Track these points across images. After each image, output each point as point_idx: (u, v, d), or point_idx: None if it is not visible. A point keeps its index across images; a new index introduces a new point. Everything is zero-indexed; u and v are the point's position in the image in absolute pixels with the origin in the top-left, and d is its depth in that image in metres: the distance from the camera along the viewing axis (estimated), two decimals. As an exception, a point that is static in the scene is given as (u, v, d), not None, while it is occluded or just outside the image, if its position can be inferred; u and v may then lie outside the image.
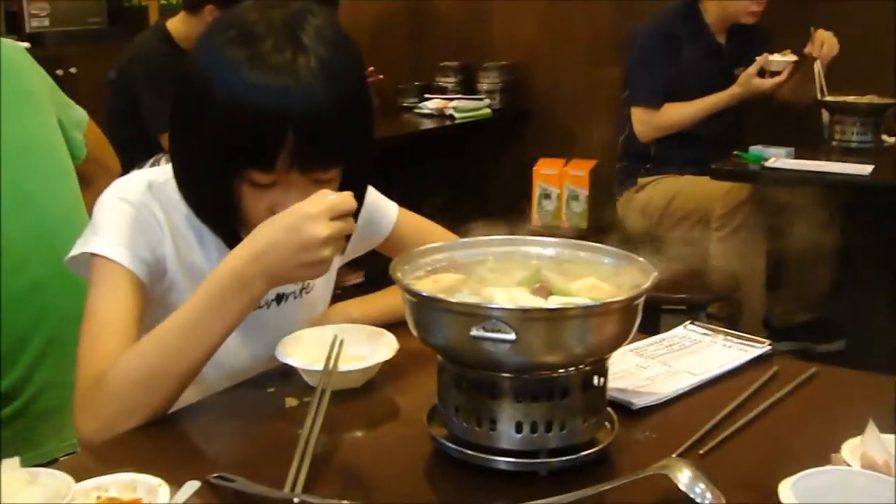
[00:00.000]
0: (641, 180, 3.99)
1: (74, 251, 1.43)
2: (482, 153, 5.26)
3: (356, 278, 4.29)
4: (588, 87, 4.84)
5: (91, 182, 2.08)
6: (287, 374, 1.41)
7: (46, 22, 5.60)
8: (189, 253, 1.49)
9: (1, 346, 1.78)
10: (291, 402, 1.35)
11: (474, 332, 1.05)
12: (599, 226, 4.36)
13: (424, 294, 1.11)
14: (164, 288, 1.47)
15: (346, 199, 1.29)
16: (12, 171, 1.86)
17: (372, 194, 1.66)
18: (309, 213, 1.26)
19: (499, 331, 1.04)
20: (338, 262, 1.57)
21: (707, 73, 3.87)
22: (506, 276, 1.22)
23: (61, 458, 1.64)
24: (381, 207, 1.72)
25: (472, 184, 5.17)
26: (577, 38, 4.87)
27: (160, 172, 1.49)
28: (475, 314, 1.06)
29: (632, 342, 1.51)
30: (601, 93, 4.73)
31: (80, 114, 2.16)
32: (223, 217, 1.44)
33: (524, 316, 1.06)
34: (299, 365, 1.39)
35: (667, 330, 1.62)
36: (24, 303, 1.82)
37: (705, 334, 1.58)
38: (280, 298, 1.57)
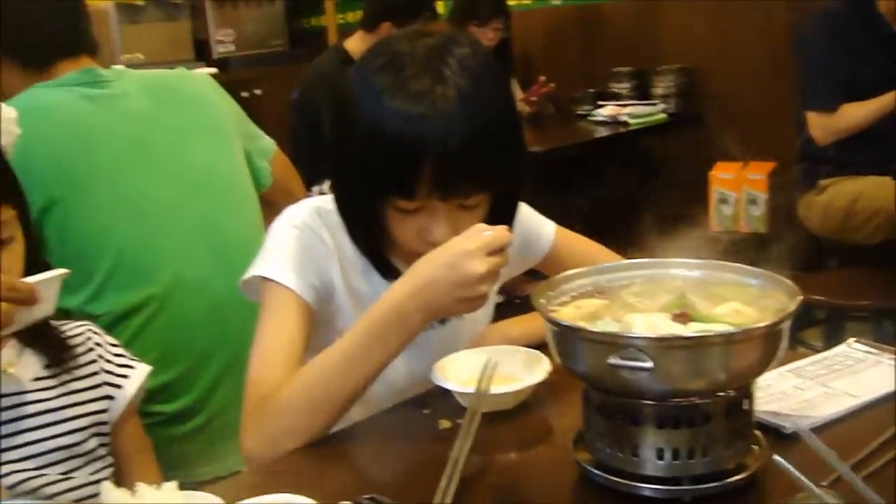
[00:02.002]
0: (822, 182, 3.84)
1: (247, 275, 1.51)
2: (657, 158, 5.20)
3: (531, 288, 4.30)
4: (764, 86, 4.71)
5: (276, 207, 2.17)
6: (442, 396, 1.45)
7: (232, 47, 5.88)
8: (356, 278, 1.54)
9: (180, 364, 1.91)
10: (445, 423, 1.39)
11: (612, 360, 1.06)
12: (779, 230, 4.25)
13: (564, 323, 1.13)
14: (331, 312, 1.53)
15: (502, 234, 1.31)
16: (199, 200, 1.99)
17: (527, 215, 1.69)
18: (467, 250, 1.29)
19: (636, 359, 1.05)
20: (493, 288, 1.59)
21: (884, 67, 3.69)
22: (650, 300, 1.22)
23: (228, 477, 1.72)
24: (537, 228, 1.73)
25: (648, 189, 5.12)
26: (751, 37, 4.75)
27: (329, 199, 1.54)
28: (613, 343, 1.07)
29: (792, 361, 1.48)
30: (777, 92, 4.59)
31: (267, 144, 2.27)
32: (372, 241, 1.49)
33: (661, 344, 1.06)
34: (452, 387, 1.42)
35: (851, 337, 1.58)
36: (206, 324, 1.94)
37: (869, 353, 1.52)
38: (444, 319, 1.60)
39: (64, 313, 1.70)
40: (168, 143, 2.02)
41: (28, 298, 1.14)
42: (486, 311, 1.71)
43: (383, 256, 1.51)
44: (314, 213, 1.53)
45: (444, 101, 1.35)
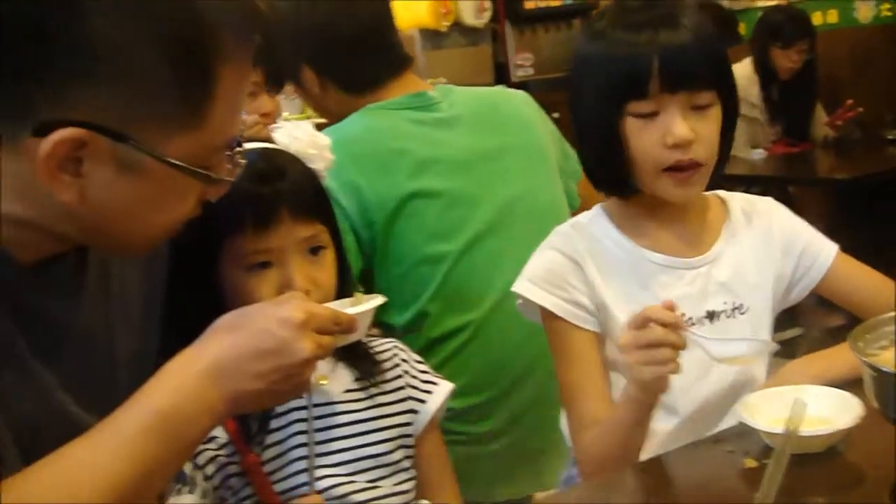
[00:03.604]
0: None
1: (519, 297, 1.60)
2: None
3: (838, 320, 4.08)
4: None
5: None
6: (746, 434, 1.40)
7: (531, 71, 5.97)
8: (614, 284, 1.56)
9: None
10: (750, 463, 1.34)
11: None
12: None
13: (885, 370, 1.06)
14: (609, 327, 1.56)
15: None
16: (520, 225, 2.00)
17: (805, 226, 1.67)
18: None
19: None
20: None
21: None
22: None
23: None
24: (818, 243, 1.67)
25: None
26: None
27: (588, 214, 1.63)
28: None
29: None
30: None
31: (576, 165, 2.26)
32: (614, 162, 1.53)
33: None
34: (760, 426, 1.37)
35: None
36: (520, 352, 1.97)
37: None
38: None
39: (388, 329, 1.79)
40: (493, 168, 2.04)
41: (349, 328, 1.21)
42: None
43: (625, 178, 1.55)
44: (569, 227, 1.63)
45: (670, 10, 1.50)
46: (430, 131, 2.02)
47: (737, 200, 1.67)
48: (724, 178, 1.63)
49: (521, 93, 2.24)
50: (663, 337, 1.31)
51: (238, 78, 1.07)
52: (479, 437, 1.93)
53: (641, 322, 1.33)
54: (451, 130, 2.04)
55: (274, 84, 2.19)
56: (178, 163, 1.04)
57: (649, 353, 1.32)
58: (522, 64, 5.98)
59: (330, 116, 2.21)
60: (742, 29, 5.43)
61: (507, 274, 1.93)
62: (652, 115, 1.48)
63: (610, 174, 1.57)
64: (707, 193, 1.65)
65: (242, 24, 1.06)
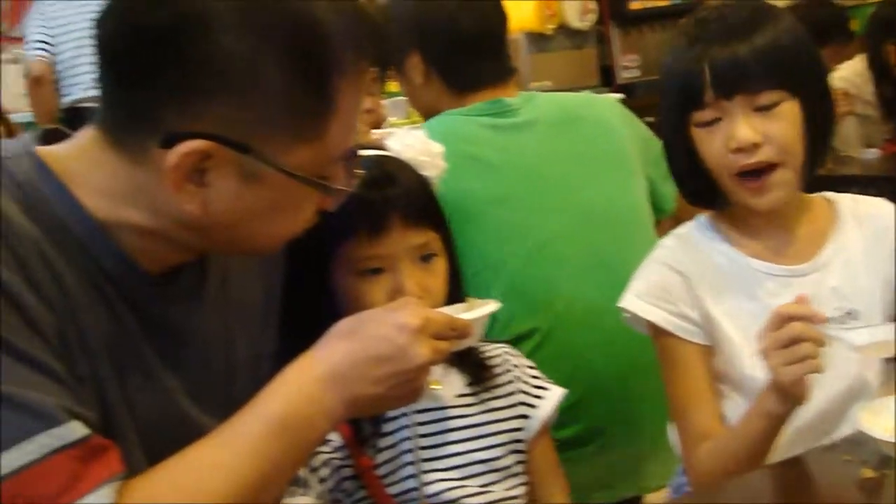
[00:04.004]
0: None
1: (626, 311, 1.61)
2: None
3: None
4: None
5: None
6: (863, 443, 1.36)
7: (637, 73, 5.92)
8: (721, 296, 1.55)
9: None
10: (868, 473, 1.31)
11: None
12: None
13: None
14: (715, 339, 1.55)
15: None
16: (593, 232, 2.00)
17: None
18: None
19: None
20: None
21: None
22: None
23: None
24: None
25: None
26: None
27: (691, 225, 1.64)
28: None
29: None
30: None
31: None
32: (694, 173, 1.56)
33: None
34: (880, 436, 1.34)
35: None
36: (595, 357, 1.96)
37: None
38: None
39: None
40: (565, 174, 2.04)
41: (464, 334, 1.22)
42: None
43: (712, 190, 1.56)
44: (673, 240, 1.64)
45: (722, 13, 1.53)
46: (503, 136, 2.04)
47: (846, 202, 1.64)
48: (836, 180, 1.60)
49: (607, 98, 2.25)
50: (802, 332, 1.30)
51: (356, 90, 1.10)
52: (565, 441, 1.92)
53: (778, 321, 1.32)
54: (525, 135, 2.06)
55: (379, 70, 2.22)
56: (297, 173, 1.07)
57: (790, 351, 1.30)
58: (628, 65, 5.93)
59: (421, 109, 2.25)
60: (854, 25, 5.28)
61: (575, 280, 1.96)
62: (715, 122, 1.49)
63: (696, 186, 1.59)
64: (814, 196, 1.63)
65: (361, 38, 1.08)
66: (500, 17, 2.19)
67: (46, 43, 4.69)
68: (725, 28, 1.50)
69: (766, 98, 1.47)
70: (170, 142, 1.03)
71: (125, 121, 1.08)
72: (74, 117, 4.47)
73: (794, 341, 1.31)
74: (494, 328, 1.92)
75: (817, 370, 1.31)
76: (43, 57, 4.71)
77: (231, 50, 1.01)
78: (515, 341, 1.91)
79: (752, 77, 1.47)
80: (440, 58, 2.12)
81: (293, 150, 1.07)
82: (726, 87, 1.47)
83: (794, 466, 1.41)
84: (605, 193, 2.05)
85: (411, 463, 1.44)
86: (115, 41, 1.05)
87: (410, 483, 1.43)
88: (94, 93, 1.11)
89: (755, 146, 1.47)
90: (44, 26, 4.70)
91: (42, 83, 4.72)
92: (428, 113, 2.20)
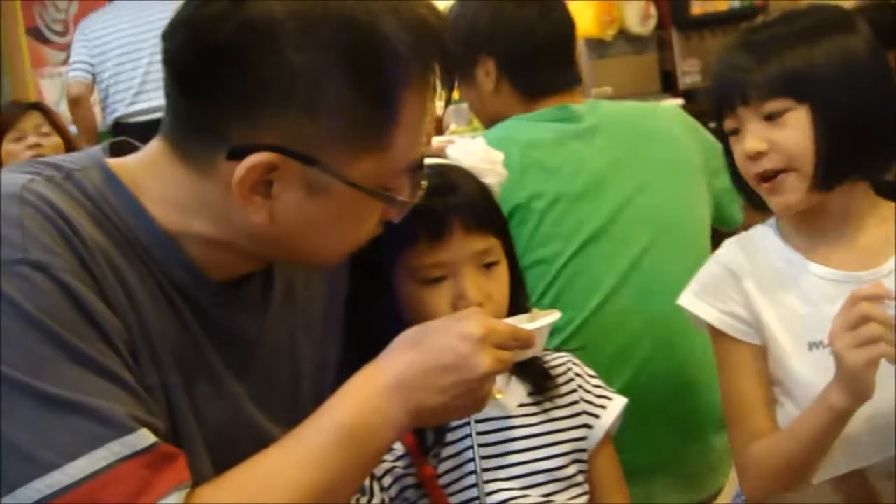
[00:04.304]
0: None
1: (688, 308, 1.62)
2: None
3: None
4: None
5: None
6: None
7: (698, 77, 5.86)
8: (774, 298, 1.56)
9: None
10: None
11: None
12: None
13: None
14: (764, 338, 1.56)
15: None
16: (636, 237, 2.00)
17: None
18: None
19: None
20: None
21: None
22: None
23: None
24: None
25: None
26: None
27: (759, 227, 1.66)
28: None
29: None
30: None
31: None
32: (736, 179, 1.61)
33: None
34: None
35: None
36: (624, 355, 1.96)
37: None
38: None
39: None
40: (623, 181, 2.04)
41: (527, 344, 1.22)
42: None
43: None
44: (733, 242, 1.64)
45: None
46: (567, 142, 2.05)
47: None
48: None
49: (671, 108, 2.26)
50: (870, 311, 1.30)
51: (421, 103, 1.10)
52: None
53: (851, 303, 1.32)
54: (587, 141, 2.07)
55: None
56: (363, 185, 1.08)
57: (860, 332, 1.30)
58: (689, 70, 5.87)
59: (487, 116, 2.25)
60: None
61: (614, 283, 1.97)
62: (736, 132, 1.54)
63: (746, 190, 1.60)
64: (893, 203, 1.60)
65: (427, 51, 1.09)
66: (572, 25, 2.21)
67: (88, 63, 4.80)
68: (750, 38, 1.54)
69: (771, 106, 1.49)
70: (237, 154, 1.04)
71: (192, 133, 1.09)
72: (119, 133, 4.57)
73: (864, 321, 1.30)
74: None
75: (886, 355, 1.29)
76: (82, 78, 4.82)
77: (296, 64, 1.02)
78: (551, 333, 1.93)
79: (753, 85, 1.50)
80: (515, 65, 2.12)
81: (358, 161, 1.07)
82: (731, 100, 1.52)
83: (856, 480, 1.38)
84: (658, 202, 2.05)
85: (474, 472, 1.44)
86: (183, 55, 1.07)
87: (473, 492, 1.43)
88: (137, 107, 1.13)
89: (760, 154, 1.50)
90: (86, 46, 4.83)
91: (80, 104, 4.84)
92: (493, 120, 2.20)
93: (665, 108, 2.27)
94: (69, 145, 3.78)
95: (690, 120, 2.23)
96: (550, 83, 2.13)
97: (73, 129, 4.65)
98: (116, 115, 4.77)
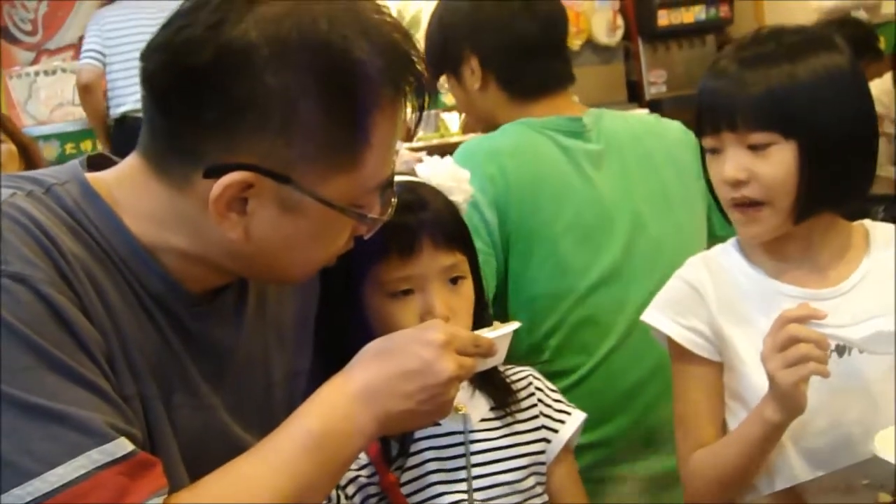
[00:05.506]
0: None
1: (650, 323, 1.63)
2: None
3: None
4: None
5: None
6: (882, 468, 1.38)
7: (664, 88, 5.93)
8: (736, 314, 1.57)
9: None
10: (885, 497, 1.34)
11: None
12: None
13: None
14: (726, 354, 1.58)
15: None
16: (652, 267, 1.96)
17: None
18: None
19: None
20: None
21: None
22: None
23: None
24: None
25: None
26: None
27: (722, 245, 1.67)
28: None
29: None
30: None
31: None
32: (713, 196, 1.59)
33: None
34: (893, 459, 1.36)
35: None
36: (636, 394, 1.98)
37: None
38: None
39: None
40: (636, 212, 2.01)
41: (488, 352, 1.26)
42: None
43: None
44: (699, 259, 1.65)
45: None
46: (578, 163, 2.00)
47: (881, 229, 1.64)
48: (865, 199, 1.60)
49: (673, 125, 2.18)
50: (799, 332, 1.33)
51: (392, 125, 1.14)
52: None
53: (778, 325, 1.35)
54: (597, 166, 2.02)
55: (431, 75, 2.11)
56: (335, 203, 1.12)
57: (788, 353, 1.33)
58: (655, 81, 5.95)
59: (476, 116, 2.21)
60: (882, 43, 5.29)
61: (626, 320, 1.95)
62: (717, 152, 1.53)
63: (720, 207, 1.60)
64: (852, 223, 1.63)
65: (399, 74, 1.13)
66: (560, 19, 2.15)
67: (99, 52, 4.84)
68: (740, 59, 1.51)
69: (757, 138, 1.48)
70: (213, 173, 1.08)
71: (169, 151, 1.13)
72: (125, 127, 4.69)
73: (792, 342, 1.33)
74: (543, 358, 1.93)
75: (818, 373, 1.33)
76: (93, 66, 4.84)
77: (272, 87, 1.06)
78: (562, 373, 1.93)
79: (743, 115, 1.48)
80: (498, 61, 2.06)
81: (331, 180, 1.11)
82: (717, 122, 1.51)
83: (792, 498, 1.45)
84: (663, 235, 2.01)
85: (439, 482, 1.47)
86: (161, 76, 1.10)
87: (436, 502, 1.47)
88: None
89: (740, 182, 1.49)
90: (99, 36, 4.86)
91: (90, 90, 4.88)
92: (484, 121, 2.16)
93: (667, 125, 2.19)
94: (26, 150, 3.62)
95: (692, 138, 2.18)
96: (539, 81, 2.08)
97: (69, 124, 4.64)
98: (124, 108, 4.80)
